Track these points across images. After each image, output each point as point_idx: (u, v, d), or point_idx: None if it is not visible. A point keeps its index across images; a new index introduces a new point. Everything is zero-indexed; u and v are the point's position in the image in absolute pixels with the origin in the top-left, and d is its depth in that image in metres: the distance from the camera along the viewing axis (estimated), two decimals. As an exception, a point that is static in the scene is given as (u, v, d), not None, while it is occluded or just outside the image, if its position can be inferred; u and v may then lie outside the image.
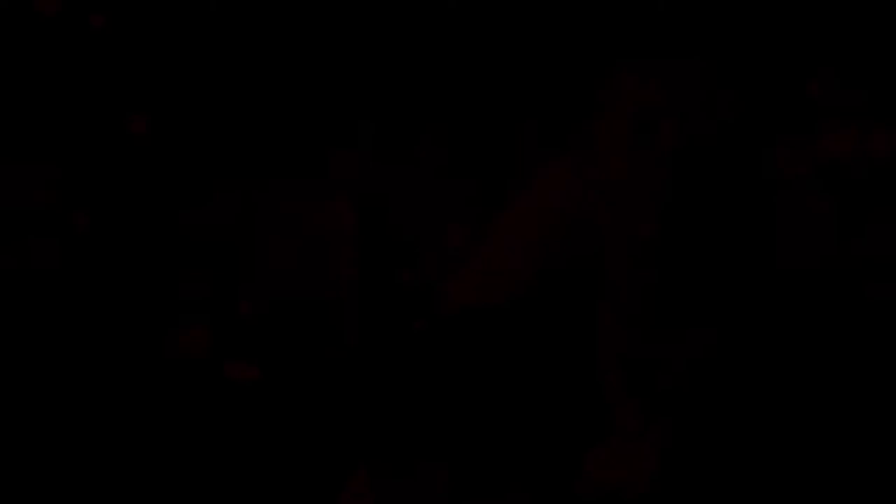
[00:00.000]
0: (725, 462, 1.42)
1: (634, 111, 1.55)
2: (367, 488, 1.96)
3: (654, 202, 1.50)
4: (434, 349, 1.65)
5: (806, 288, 1.50)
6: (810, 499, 1.40)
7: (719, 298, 1.55)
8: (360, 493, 2.00)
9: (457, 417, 1.57)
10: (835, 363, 1.46)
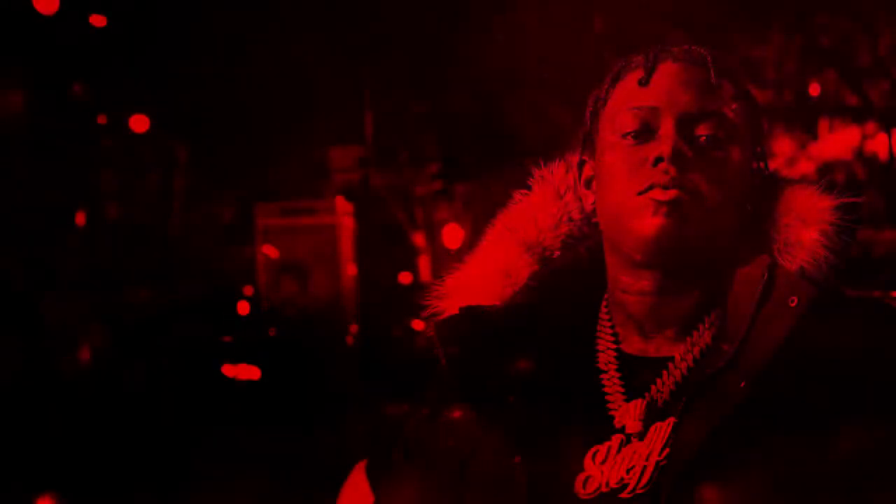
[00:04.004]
0: (725, 461, 1.42)
1: (634, 111, 1.54)
2: (367, 488, 1.96)
3: (653, 200, 1.49)
4: (433, 349, 1.64)
5: (799, 287, 1.49)
6: (809, 497, 1.40)
7: (718, 296, 1.54)
8: (359, 492, 2.00)
9: (455, 416, 1.57)
10: (834, 362, 1.45)
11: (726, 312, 1.53)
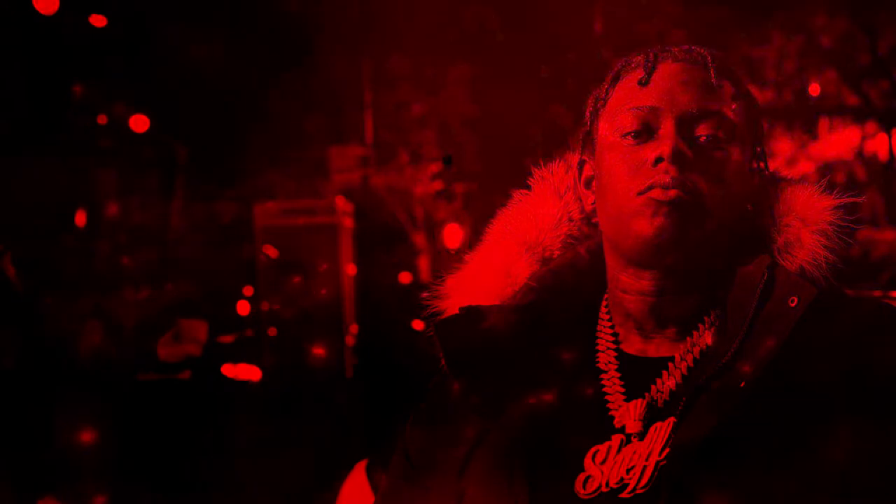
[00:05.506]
0: (725, 461, 1.42)
1: (634, 111, 1.54)
2: (367, 488, 1.96)
3: (653, 200, 1.49)
4: (433, 349, 1.64)
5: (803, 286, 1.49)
6: (808, 497, 1.40)
7: (718, 296, 1.54)
8: (360, 492, 2.00)
9: (455, 416, 1.57)
10: (834, 362, 1.45)
11: (726, 312, 1.53)
